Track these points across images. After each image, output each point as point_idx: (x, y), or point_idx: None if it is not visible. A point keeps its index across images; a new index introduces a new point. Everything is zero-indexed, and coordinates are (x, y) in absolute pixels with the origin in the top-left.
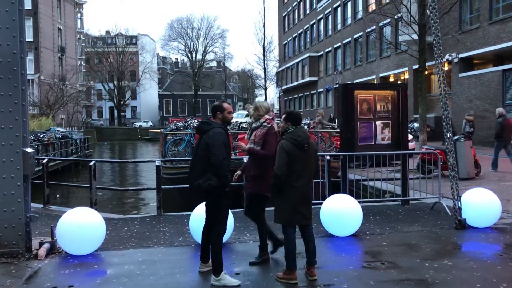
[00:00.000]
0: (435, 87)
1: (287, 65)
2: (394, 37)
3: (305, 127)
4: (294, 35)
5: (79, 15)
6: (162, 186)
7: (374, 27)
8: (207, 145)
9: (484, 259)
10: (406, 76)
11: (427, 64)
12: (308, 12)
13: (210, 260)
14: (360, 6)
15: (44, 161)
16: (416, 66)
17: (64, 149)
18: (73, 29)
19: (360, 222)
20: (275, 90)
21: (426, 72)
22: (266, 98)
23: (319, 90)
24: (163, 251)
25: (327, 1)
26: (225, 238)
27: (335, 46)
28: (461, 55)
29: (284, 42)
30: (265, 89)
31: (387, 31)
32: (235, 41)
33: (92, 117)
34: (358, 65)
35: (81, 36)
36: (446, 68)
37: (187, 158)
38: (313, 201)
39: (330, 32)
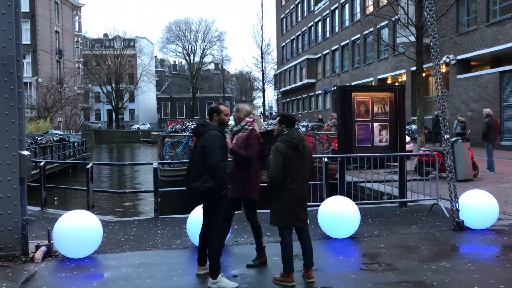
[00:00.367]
0: (432, 89)
1: (285, 68)
2: (391, 39)
3: (303, 129)
4: (292, 38)
5: (77, 17)
6: (160, 189)
7: (372, 29)
8: (203, 147)
9: (482, 260)
10: (404, 78)
11: (425, 66)
12: (305, 14)
13: (208, 263)
14: (357, 9)
15: (41, 164)
16: (414, 68)
17: (62, 152)
18: (71, 31)
19: (358, 224)
20: (273, 92)
21: (424, 74)
22: (264, 101)
23: (317, 92)
24: (161, 253)
25: (324, 4)
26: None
27: (333, 48)
28: (458, 57)
29: (282, 45)
30: (263, 92)
31: (385, 33)
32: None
33: (90, 119)
34: (356, 67)
35: (79, 39)
36: (443, 70)
37: (185, 160)
38: (310, 203)
39: (328, 35)
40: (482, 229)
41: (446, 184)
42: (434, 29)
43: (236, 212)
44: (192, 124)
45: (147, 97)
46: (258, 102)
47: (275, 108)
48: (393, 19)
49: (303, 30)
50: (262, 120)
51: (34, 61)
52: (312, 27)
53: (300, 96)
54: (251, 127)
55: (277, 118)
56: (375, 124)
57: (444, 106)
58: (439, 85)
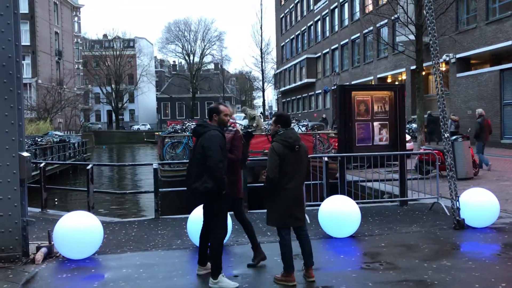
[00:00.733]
0: (432, 88)
1: (285, 67)
2: (391, 38)
3: (303, 128)
4: (291, 37)
5: (76, 18)
6: (160, 189)
7: (371, 28)
8: (203, 147)
9: (482, 259)
10: (404, 76)
11: (424, 64)
12: (305, 13)
13: (209, 263)
14: (357, 7)
15: (42, 165)
16: (414, 67)
17: (62, 153)
18: (70, 32)
19: (359, 223)
20: (273, 92)
21: (424, 73)
22: (264, 100)
23: (317, 92)
24: (161, 254)
25: (324, 3)
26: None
27: (332, 47)
28: (458, 55)
29: (282, 44)
30: (263, 91)
31: (384, 32)
32: (233, 43)
33: (90, 120)
34: (356, 66)
35: (79, 40)
36: (443, 69)
37: (185, 160)
38: (311, 203)
39: (327, 34)
40: (483, 228)
41: (446, 182)
42: (434, 27)
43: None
44: (192, 124)
45: (147, 97)
46: (258, 101)
47: (275, 108)
48: (392, 17)
49: (302, 29)
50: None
51: (33, 62)
52: (312, 26)
53: (300, 96)
54: (235, 129)
55: (273, 118)
56: (375, 123)
57: (444, 104)
58: (439, 84)
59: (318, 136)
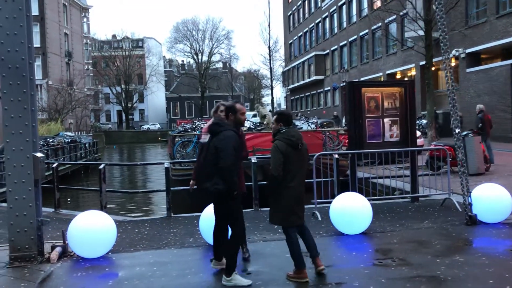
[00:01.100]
0: (442, 83)
1: (293, 64)
2: (400, 34)
3: (313, 126)
4: (299, 34)
5: (85, 19)
6: (172, 188)
7: (380, 24)
8: (216, 148)
9: (496, 254)
10: (413, 72)
11: (434, 60)
12: (313, 10)
13: (224, 259)
14: (365, 4)
15: (54, 165)
16: (423, 62)
17: (73, 153)
18: (80, 33)
19: (370, 220)
20: (282, 89)
21: (433, 68)
22: (272, 98)
23: (325, 89)
24: (174, 252)
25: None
26: None
27: (341, 44)
28: (468, 50)
29: (290, 42)
30: (272, 89)
31: (393, 28)
32: (241, 42)
33: (101, 121)
34: (365, 63)
35: (88, 41)
36: (453, 64)
37: (195, 159)
38: (322, 200)
39: (335, 30)
40: (496, 223)
41: (458, 178)
42: (443, 22)
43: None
44: (202, 123)
45: (156, 97)
46: (266, 99)
47: (283, 106)
48: (401, 13)
49: (310, 26)
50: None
51: (44, 64)
52: (320, 23)
53: (308, 93)
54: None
55: (275, 117)
56: (386, 120)
57: (455, 100)
58: (449, 79)
59: (328, 133)
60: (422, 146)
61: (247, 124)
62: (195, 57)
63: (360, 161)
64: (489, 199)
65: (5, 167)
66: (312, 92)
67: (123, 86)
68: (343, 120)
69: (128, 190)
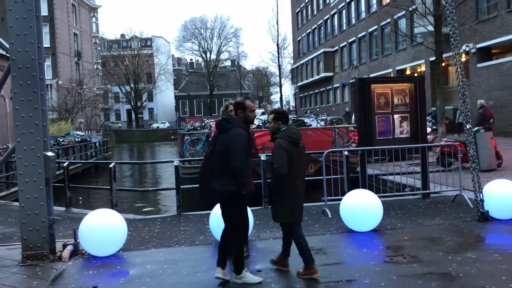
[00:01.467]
0: (452, 79)
1: (302, 62)
2: (409, 30)
3: (322, 123)
4: (308, 31)
5: (94, 19)
6: (181, 186)
7: (389, 20)
8: (226, 146)
9: (508, 251)
10: (423, 68)
11: (444, 55)
12: (321, 7)
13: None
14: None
15: (65, 164)
16: (433, 58)
17: (83, 152)
18: (89, 33)
19: (381, 217)
20: (291, 87)
21: (443, 64)
22: (281, 96)
23: (335, 86)
24: (185, 250)
25: None
26: None
27: (349, 40)
28: (478, 45)
29: (298, 39)
30: (280, 87)
31: (402, 23)
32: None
33: (110, 120)
34: (374, 59)
35: (97, 40)
36: (463, 59)
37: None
38: (332, 197)
39: (344, 27)
40: (508, 219)
41: (469, 174)
42: (453, 17)
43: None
44: (211, 121)
45: (165, 96)
46: (275, 97)
47: (292, 103)
48: (410, 9)
49: (319, 23)
50: None
51: (54, 64)
52: (328, 20)
53: (317, 90)
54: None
55: (272, 116)
56: (396, 116)
57: (465, 95)
58: (460, 75)
59: (337, 130)
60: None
61: (256, 121)
62: (203, 55)
63: (370, 158)
64: (501, 195)
65: (16, 166)
66: (321, 89)
67: (132, 85)
68: (353, 117)
69: (138, 189)
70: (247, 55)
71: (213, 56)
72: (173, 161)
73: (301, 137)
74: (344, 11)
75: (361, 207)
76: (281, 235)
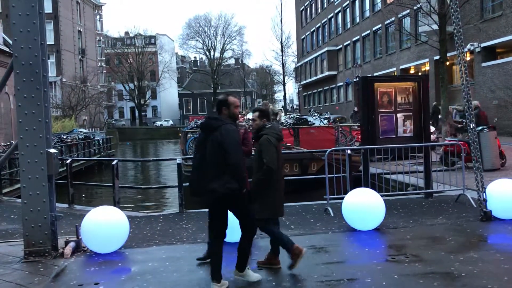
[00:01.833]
0: (457, 78)
1: (306, 60)
2: (413, 28)
3: (325, 121)
4: (312, 30)
5: (98, 17)
6: (184, 184)
7: (393, 18)
8: (221, 144)
9: (511, 251)
10: (427, 67)
11: (448, 54)
12: (325, 5)
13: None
14: None
15: (68, 161)
16: (437, 57)
17: (87, 150)
18: (93, 31)
19: (383, 216)
20: (294, 85)
21: (448, 63)
22: (285, 94)
23: (338, 84)
24: (186, 247)
25: None
26: None
27: (354, 39)
28: (483, 44)
29: (302, 37)
30: (284, 85)
31: (407, 22)
32: (253, 37)
33: (114, 117)
34: (378, 58)
35: (101, 38)
36: (468, 58)
37: None
38: (335, 196)
39: (348, 25)
40: (511, 219)
41: (472, 174)
42: (458, 16)
43: None
44: None
45: (169, 93)
46: (279, 95)
47: (296, 102)
48: (415, 7)
49: (323, 21)
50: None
51: (58, 61)
52: (332, 18)
53: (321, 89)
54: (243, 123)
55: (257, 113)
56: (399, 115)
57: (469, 95)
58: (464, 74)
59: (340, 129)
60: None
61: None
62: (207, 53)
63: (373, 157)
64: (504, 195)
65: (19, 163)
66: (324, 88)
67: (136, 83)
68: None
69: (141, 186)
70: (251, 53)
71: (217, 54)
72: (175, 159)
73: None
74: (348, 10)
75: (363, 206)
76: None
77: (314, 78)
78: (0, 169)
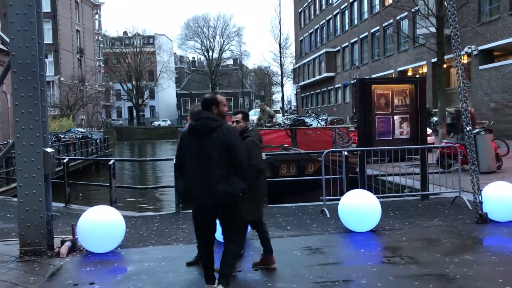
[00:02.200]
0: (454, 81)
1: (304, 61)
2: (411, 31)
3: (322, 123)
4: (310, 31)
5: (96, 16)
6: None
7: (391, 21)
8: (226, 144)
9: (506, 253)
10: (425, 69)
11: (446, 57)
12: (324, 7)
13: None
14: (376, 0)
15: (65, 161)
16: (435, 60)
17: (84, 149)
18: (91, 30)
19: (379, 217)
20: (292, 87)
21: (445, 65)
22: (283, 95)
23: (336, 86)
24: (182, 248)
25: None
26: None
27: (352, 41)
28: (480, 47)
29: (301, 38)
30: (282, 86)
31: (405, 24)
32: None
33: (112, 117)
34: (376, 60)
35: (99, 37)
36: (465, 61)
37: None
38: (331, 197)
39: (346, 27)
40: (507, 222)
41: (468, 176)
42: (455, 19)
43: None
44: None
45: (167, 93)
46: (277, 97)
47: (294, 103)
48: (412, 10)
49: (321, 23)
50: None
51: (56, 60)
52: (331, 20)
53: (319, 90)
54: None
55: (241, 115)
56: (396, 117)
57: (466, 97)
58: (461, 76)
59: (337, 130)
60: (432, 143)
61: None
62: (205, 54)
63: (369, 158)
64: (500, 197)
65: (16, 162)
66: (322, 89)
67: (134, 82)
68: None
69: (138, 186)
70: (249, 54)
71: (215, 55)
72: (172, 159)
73: None
74: (346, 12)
75: (359, 208)
76: (279, 234)
77: (312, 79)
78: None
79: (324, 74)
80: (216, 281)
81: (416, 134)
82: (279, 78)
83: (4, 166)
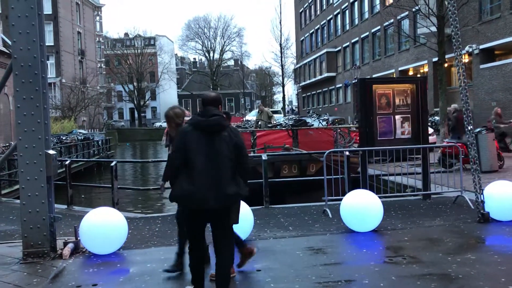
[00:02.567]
0: (455, 80)
1: (305, 62)
2: (412, 30)
3: (324, 123)
4: (311, 31)
5: (97, 18)
6: None
7: (392, 20)
8: (236, 144)
9: (508, 252)
10: (426, 69)
11: (447, 56)
12: (324, 7)
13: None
14: (377, 0)
15: (67, 162)
16: (436, 59)
17: (86, 151)
18: (93, 32)
19: (381, 217)
20: (293, 87)
21: (446, 65)
22: (284, 95)
23: (337, 86)
24: (185, 249)
25: None
26: (245, 235)
27: (352, 41)
28: (481, 46)
29: (301, 39)
30: (283, 86)
31: (405, 24)
32: (252, 39)
33: (113, 118)
34: (377, 60)
35: (100, 39)
36: (466, 60)
37: None
38: (333, 197)
39: (347, 27)
40: (509, 221)
41: (470, 175)
42: (456, 18)
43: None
44: None
45: (168, 94)
46: (278, 97)
47: (295, 103)
48: (413, 9)
49: (322, 23)
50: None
51: (57, 62)
52: (332, 20)
53: (320, 90)
54: None
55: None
56: (397, 117)
57: (467, 97)
58: (462, 76)
59: (339, 130)
60: (434, 143)
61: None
62: (206, 54)
63: (371, 158)
64: (502, 196)
65: (18, 164)
66: (323, 89)
67: (135, 84)
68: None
69: (140, 187)
70: (250, 54)
71: (216, 56)
72: None
73: None
74: (347, 12)
75: (361, 208)
76: (281, 235)
77: (313, 79)
78: None
79: (325, 74)
80: None
81: (417, 134)
82: (280, 78)
83: (6, 168)
